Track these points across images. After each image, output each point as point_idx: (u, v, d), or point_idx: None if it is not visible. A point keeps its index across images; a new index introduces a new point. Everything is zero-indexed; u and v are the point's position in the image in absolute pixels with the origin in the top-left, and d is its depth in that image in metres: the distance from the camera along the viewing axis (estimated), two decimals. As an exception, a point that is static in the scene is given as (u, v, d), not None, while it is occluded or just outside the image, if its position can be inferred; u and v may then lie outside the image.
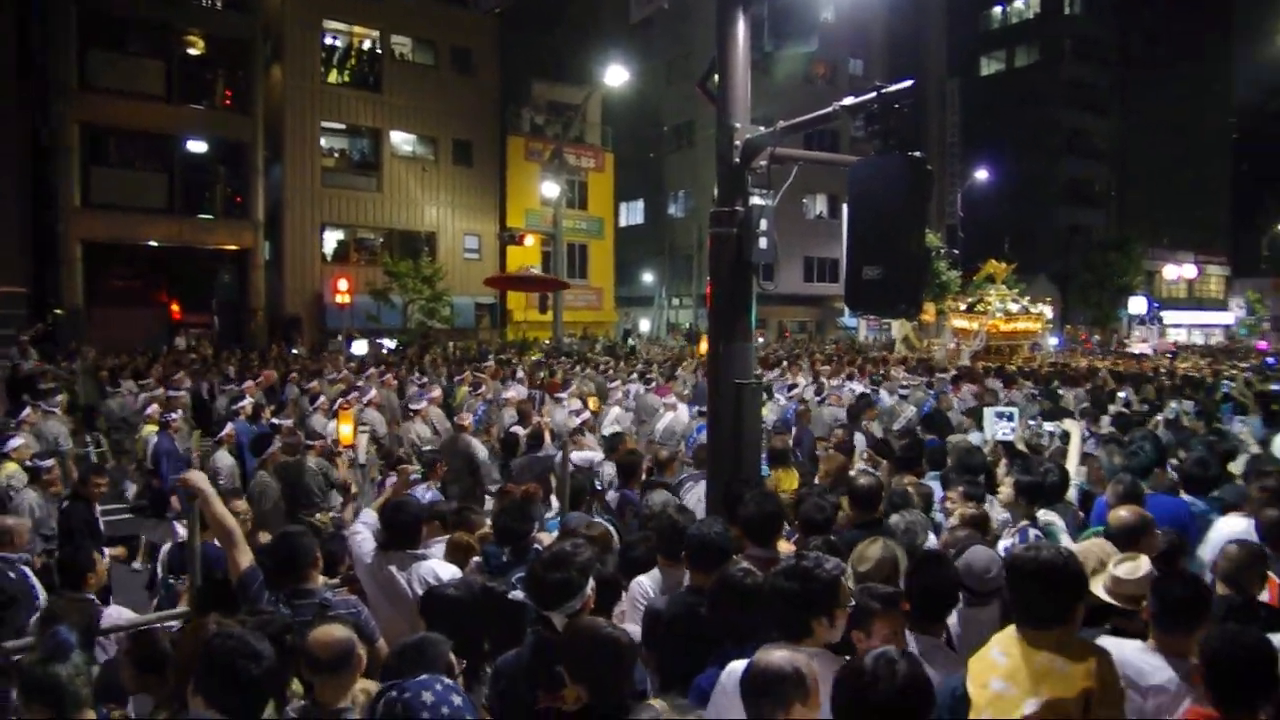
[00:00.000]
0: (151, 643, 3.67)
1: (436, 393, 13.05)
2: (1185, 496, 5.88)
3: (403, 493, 5.42)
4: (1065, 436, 7.58)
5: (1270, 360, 30.82)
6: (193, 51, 28.13)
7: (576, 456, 8.72)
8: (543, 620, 3.28)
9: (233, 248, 28.68)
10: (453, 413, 12.31)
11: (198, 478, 4.22)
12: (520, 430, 9.75)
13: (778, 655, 2.61)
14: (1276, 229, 59.27)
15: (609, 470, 7.98)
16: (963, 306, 30.16)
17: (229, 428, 9.63)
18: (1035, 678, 2.82)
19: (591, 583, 3.33)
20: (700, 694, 3.12)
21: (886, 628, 3.20)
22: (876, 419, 11.55)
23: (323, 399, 12.08)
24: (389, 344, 28.41)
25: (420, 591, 4.30)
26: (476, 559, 5.01)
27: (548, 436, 9.16)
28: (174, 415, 10.53)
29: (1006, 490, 5.72)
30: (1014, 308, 28.56)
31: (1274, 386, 15.51)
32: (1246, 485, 5.95)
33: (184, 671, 2.99)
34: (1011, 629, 3.00)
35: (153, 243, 27.20)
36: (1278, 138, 72.20)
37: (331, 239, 32.37)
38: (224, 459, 9.00)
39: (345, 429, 9.05)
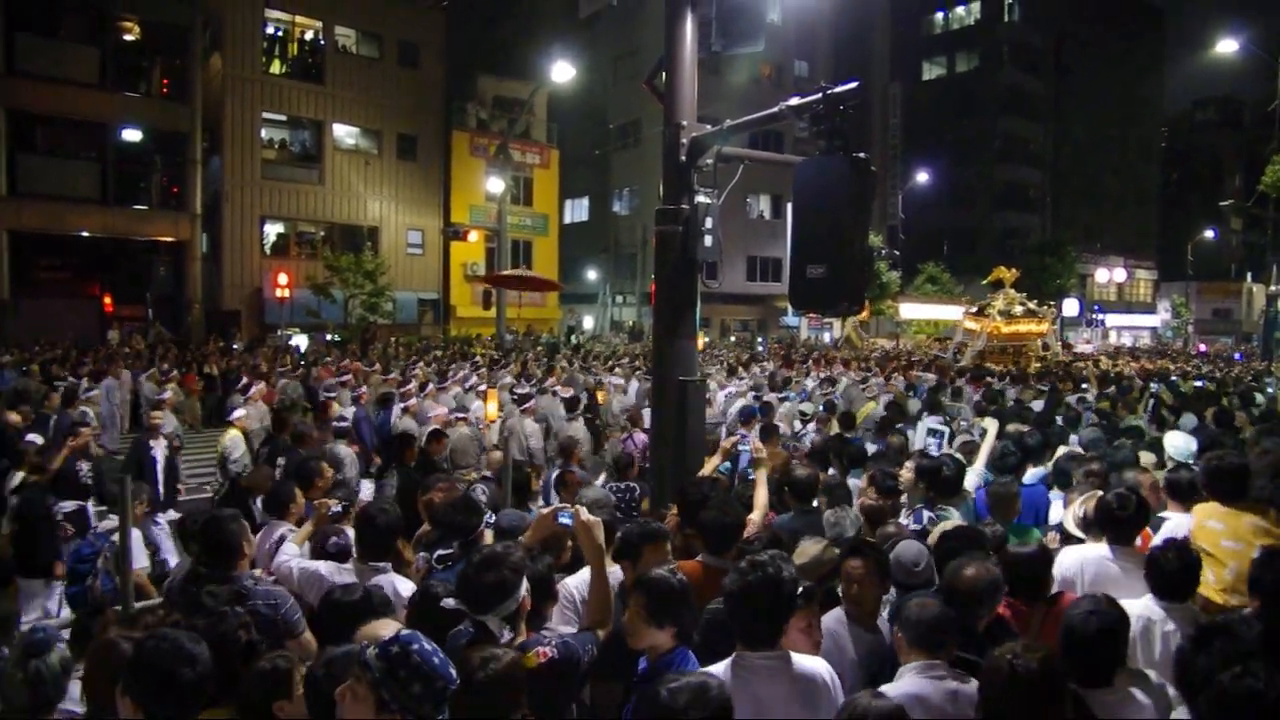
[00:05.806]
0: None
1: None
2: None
3: (323, 525, 5.07)
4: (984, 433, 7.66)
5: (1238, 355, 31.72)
6: (128, 38, 27.30)
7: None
8: (476, 625, 3.13)
9: (169, 239, 27.90)
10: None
11: None
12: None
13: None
14: (1201, 235, 61.35)
15: None
16: (973, 309, 30.67)
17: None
18: (1253, 534, 4.30)
19: (526, 584, 3.22)
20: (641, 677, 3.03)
21: (802, 620, 3.27)
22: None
23: (431, 386, 12.97)
24: (330, 339, 28.03)
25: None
26: (423, 554, 4.91)
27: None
28: (362, 389, 12.28)
29: (906, 474, 5.70)
30: (1018, 310, 28.77)
31: (1197, 383, 16.00)
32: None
33: (99, 682, 2.87)
34: (1212, 505, 4.51)
35: (84, 233, 26.39)
36: (1205, 148, 74.85)
37: (271, 232, 31.77)
38: (344, 450, 8.94)
39: (491, 407, 9.96)
